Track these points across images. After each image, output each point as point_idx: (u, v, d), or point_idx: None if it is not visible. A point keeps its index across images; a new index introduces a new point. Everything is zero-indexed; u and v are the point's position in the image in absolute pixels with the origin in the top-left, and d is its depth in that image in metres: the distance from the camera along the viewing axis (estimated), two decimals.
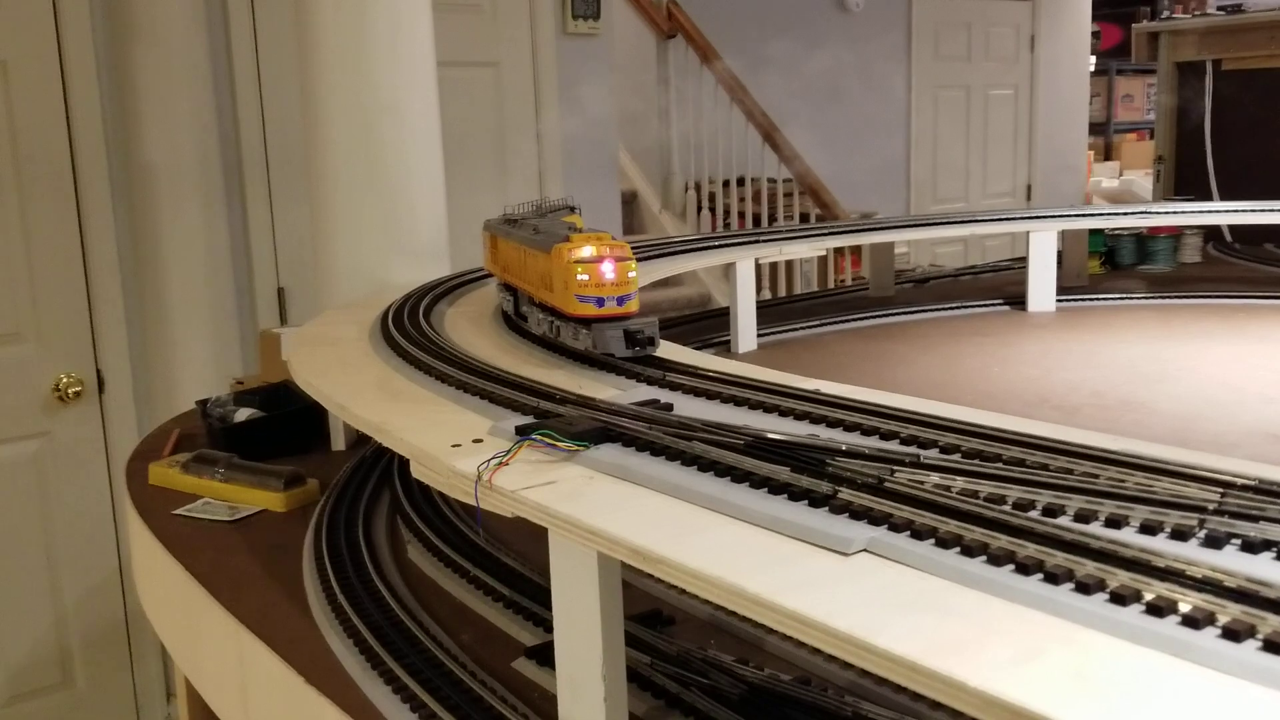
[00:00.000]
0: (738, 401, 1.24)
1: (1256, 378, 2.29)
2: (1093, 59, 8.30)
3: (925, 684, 0.64)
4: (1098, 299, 3.13)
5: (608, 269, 1.43)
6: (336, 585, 1.45)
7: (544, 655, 1.22)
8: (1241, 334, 2.72)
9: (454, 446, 1.15)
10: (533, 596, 1.37)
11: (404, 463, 1.50)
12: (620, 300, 1.44)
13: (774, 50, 5.82)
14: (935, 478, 0.90)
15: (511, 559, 1.50)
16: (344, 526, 1.66)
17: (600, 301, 1.44)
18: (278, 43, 3.56)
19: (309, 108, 2.49)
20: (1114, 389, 2.24)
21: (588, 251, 1.44)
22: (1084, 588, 0.70)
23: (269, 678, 1.36)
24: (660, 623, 1.31)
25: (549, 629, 1.24)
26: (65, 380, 3.35)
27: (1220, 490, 0.81)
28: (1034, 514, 0.82)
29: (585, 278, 1.43)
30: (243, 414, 2.18)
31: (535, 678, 1.22)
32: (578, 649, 1.00)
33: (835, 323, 2.97)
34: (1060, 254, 3.21)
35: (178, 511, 1.86)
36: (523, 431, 1.12)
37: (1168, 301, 3.12)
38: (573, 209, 2.03)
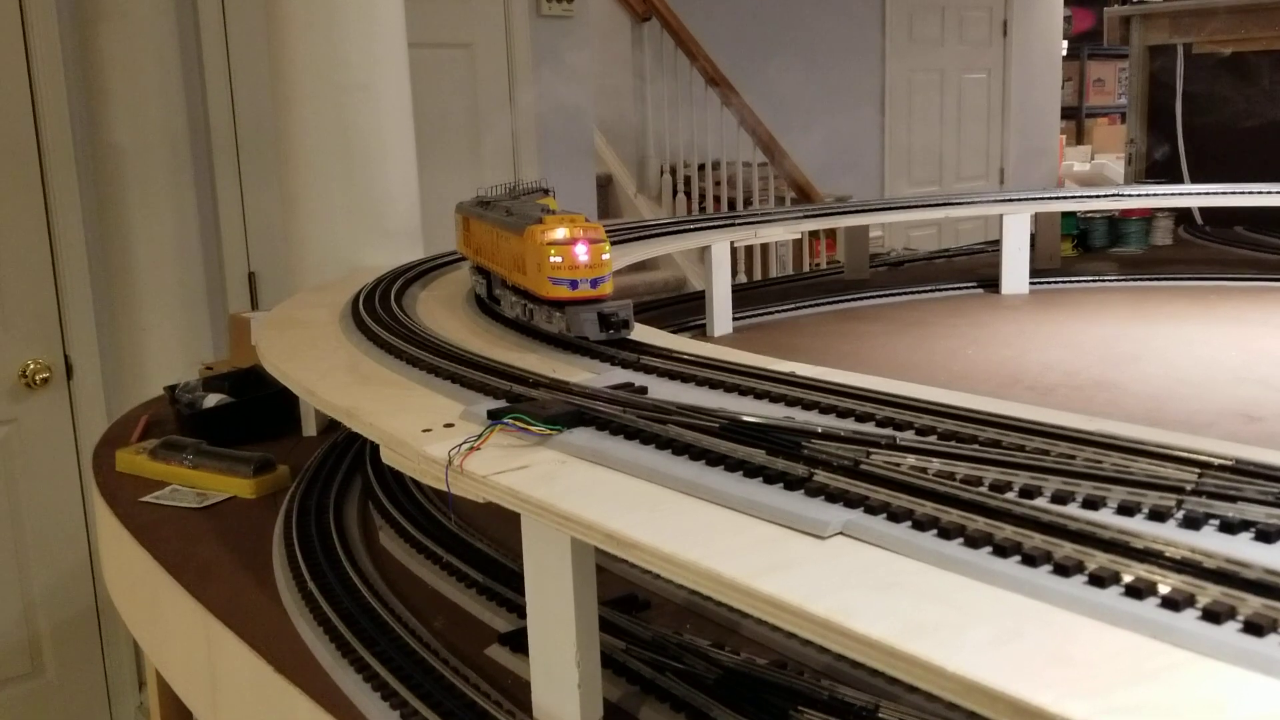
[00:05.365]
0: (713, 384, 1.23)
1: (1228, 358, 2.30)
2: (1065, 43, 8.33)
3: (903, 668, 0.63)
4: (1070, 281, 3.14)
5: (581, 251, 1.41)
6: (307, 572, 1.43)
7: (517, 641, 1.21)
8: (1213, 315, 2.73)
9: (424, 431, 1.13)
10: (506, 582, 1.35)
11: (375, 448, 1.48)
12: (594, 283, 1.42)
13: (750, 34, 5.80)
14: (911, 459, 0.89)
15: (484, 544, 1.48)
16: (315, 513, 1.64)
17: (574, 284, 1.42)
18: (247, 20, 3.51)
19: (279, 86, 2.46)
20: (1087, 369, 2.25)
21: (561, 233, 1.42)
22: (1062, 569, 0.69)
23: (238, 667, 1.34)
24: (635, 607, 1.30)
25: (522, 615, 1.23)
26: (32, 366, 3.30)
27: (1198, 470, 0.81)
28: (1011, 495, 0.82)
29: (559, 259, 1.41)
30: (212, 399, 2.15)
31: (509, 664, 1.21)
32: (552, 635, 0.99)
33: (810, 305, 2.97)
34: (1033, 237, 3.21)
35: (145, 498, 1.83)
36: (494, 415, 1.10)
37: (1140, 283, 3.13)
38: (546, 191, 2.01)
